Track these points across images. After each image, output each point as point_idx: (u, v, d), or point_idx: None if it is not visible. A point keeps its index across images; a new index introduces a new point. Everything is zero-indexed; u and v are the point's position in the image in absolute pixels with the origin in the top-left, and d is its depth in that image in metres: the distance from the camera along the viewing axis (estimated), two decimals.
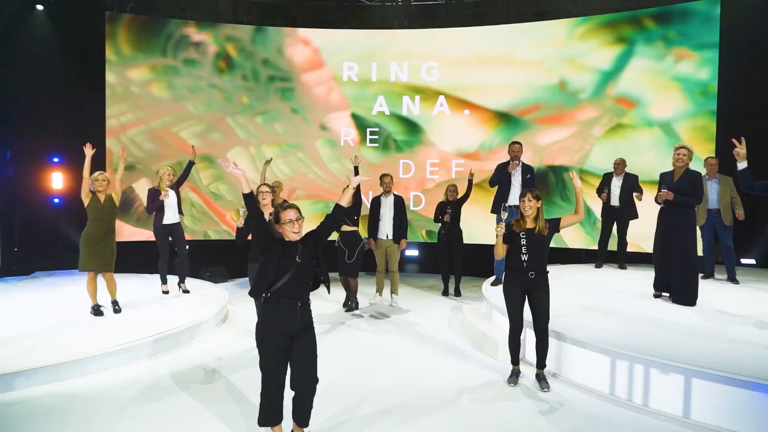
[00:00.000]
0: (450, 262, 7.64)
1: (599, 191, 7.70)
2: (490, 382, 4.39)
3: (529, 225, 4.22)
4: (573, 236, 8.75)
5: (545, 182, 8.87)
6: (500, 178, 6.30)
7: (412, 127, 9.53)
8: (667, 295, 5.66)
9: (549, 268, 4.29)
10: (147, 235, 9.00)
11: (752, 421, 3.44)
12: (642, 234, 7.97)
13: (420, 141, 9.50)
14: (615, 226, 7.64)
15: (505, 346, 4.86)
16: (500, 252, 4.28)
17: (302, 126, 9.57)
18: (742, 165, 4.64)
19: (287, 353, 3.06)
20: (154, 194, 6.47)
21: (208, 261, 8.67)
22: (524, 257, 4.19)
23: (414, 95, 9.46)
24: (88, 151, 5.48)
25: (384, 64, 9.50)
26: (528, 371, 4.53)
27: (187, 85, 9.20)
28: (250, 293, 3.15)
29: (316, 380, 3.12)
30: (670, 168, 5.69)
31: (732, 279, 6.74)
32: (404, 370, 4.66)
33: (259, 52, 9.42)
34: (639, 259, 8.07)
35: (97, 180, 5.50)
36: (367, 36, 9.53)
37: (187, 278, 6.90)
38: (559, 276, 6.81)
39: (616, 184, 7.55)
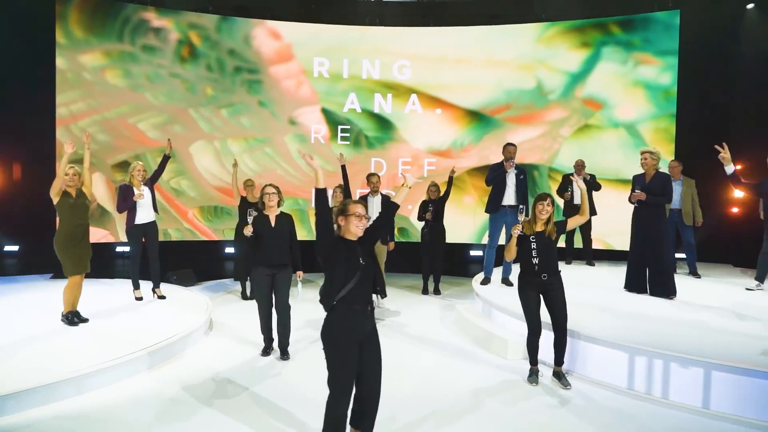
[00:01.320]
0: (431, 260, 7.63)
1: (561, 191, 7.97)
2: (512, 382, 4.40)
3: (539, 228, 4.27)
4: None
5: None
6: (496, 177, 6.35)
7: (383, 123, 9.43)
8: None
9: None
10: (101, 235, 8.36)
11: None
12: (608, 231, 8.38)
13: (392, 138, 9.42)
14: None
15: (514, 345, 4.96)
16: (512, 253, 4.30)
17: (270, 120, 9.21)
18: (729, 169, 4.92)
19: (359, 362, 2.90)
20: (126, 192, 5.98)
21: (172, 262, 8.14)
22: (535, 260, 4.24)
23: (386, 93, 9.36)
24: (68, 148, 4.96)
25: (356, 60, 9.32)
26: (542, 368, 4.58)
27: (145, 74, 8.57)
28: (323, 304, 2.93)
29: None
30: (636, 169, 6.01)
31: (694, 273, 7.21)
32: (419, 375, 4.57)
33: (224, 41, 8.95)
34: (604, 256, 8.46)
35: (66, 174, 5.00)
36: (339, 31, 9.31)
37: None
38: None
39: (575, 184, 7.83)
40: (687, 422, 3.74)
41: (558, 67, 8.94)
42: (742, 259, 7.89)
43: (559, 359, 4.35)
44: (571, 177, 7.76)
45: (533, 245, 4.22)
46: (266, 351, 4.95)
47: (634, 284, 5.97)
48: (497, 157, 9.25)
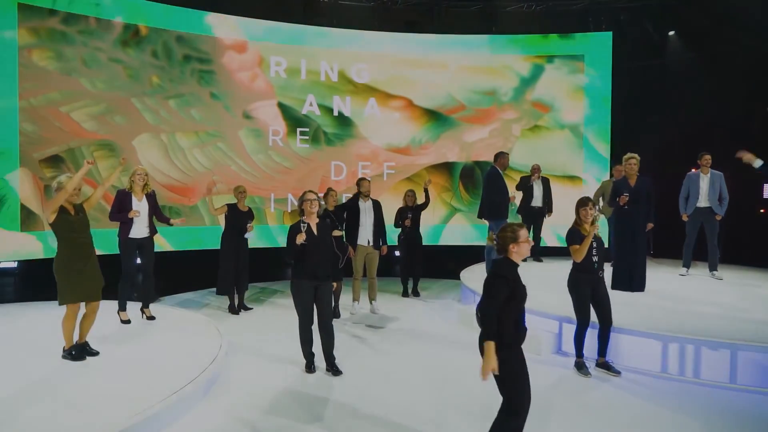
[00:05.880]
0: (409, 264, 7.70)
1: (520, 187, 8.51)
2: (566, 376, 4.66)
3: (592, 230, 4.59)
4: None
5: (472, 177, 9.46)
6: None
7: (343, 120, 9.23)
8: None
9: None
10: (28, 239, 7.14)
11: None
12: (558, 225, 9.09)
13: (351, 135, 9.26)
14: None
15: (546, 341, 5.24)
16: (584, 254, 4.55)
17: (223, 113, 8.54)
18: (758, 163, 5.49)
19: None
20: (124, 199, 5.26)
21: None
22: (594, 258, 4.56)
23: (345, 94, 9.17)
24: (87, 163, 4.21)
25: (314, 60, 9.01)
26: (570, 361, 4.88)
27: (81, 57, 7.45)
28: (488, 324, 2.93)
29: None
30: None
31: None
32: (465, 378, 4.53)
33: (173, 25, 8.07)
34: (552, 253, 9.14)
35: (74, 188, 4.24)
36: (296, 30, 8.94)
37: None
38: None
39: (538, 187, 8.35)
40: (726, 396, 4.30)
41: (509, 72, 9.46)
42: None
43: (603, 350, 4.71)
44: (531, 178, 8.34)
45: (594, 245, 4.52)
46: (311, 367, 4.67)
47: (622, 283, 6.31)
48: (454, 155, 9.64)
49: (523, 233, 2.97)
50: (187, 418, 3.70)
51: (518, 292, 2.97)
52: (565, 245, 4.71)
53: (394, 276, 8.39)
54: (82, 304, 4.31)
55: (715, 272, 7.28)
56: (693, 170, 7.29)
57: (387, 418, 3.77)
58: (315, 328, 4.63)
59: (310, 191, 4.63)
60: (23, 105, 7.08)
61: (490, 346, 2.81)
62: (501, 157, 6.49)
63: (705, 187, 7.10)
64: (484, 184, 6.68)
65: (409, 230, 7.51)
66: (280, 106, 8.87)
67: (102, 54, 7.58)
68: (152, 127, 8.04)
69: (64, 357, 4.28)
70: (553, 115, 9.46)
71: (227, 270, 6.44)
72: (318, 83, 9.05)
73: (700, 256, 7.54)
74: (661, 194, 9.40)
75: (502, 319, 2.93)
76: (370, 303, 6.81)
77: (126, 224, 5.29)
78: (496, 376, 3.00)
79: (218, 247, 6.64)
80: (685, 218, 7.32)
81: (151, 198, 5.49)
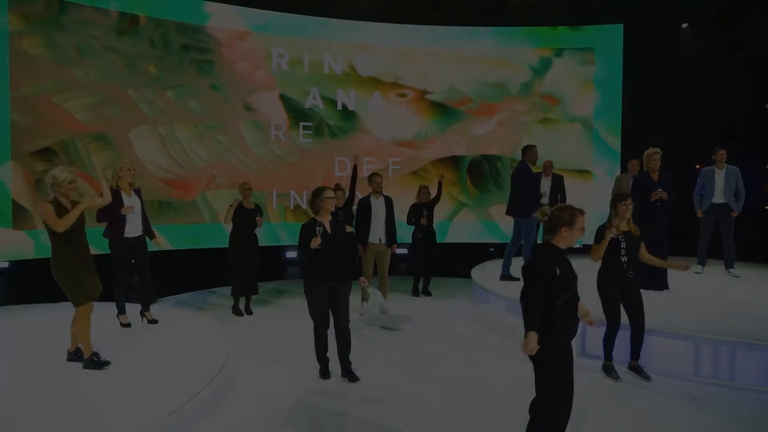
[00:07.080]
0: (423, 262, 7.42)
1: None
2: (594, 380, 4.42)
3: (624, 228, 4.35)
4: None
5: (480, 171, 9.21)
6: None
7: (347, 113, 8.94)
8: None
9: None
10: (18, 237, 6.81)
11: None
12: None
13: (355, 128, 8.97)
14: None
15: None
16: (601, 255, 4.31)
17: (223, 105, 8.22)
18: None
19: None
20: (112, 197, 4.87)
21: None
22: (624, 258, 4.32)
23: (349, 87, 8.87)
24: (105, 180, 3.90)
25: (317, 51, 8.70)
26: (596, 364, 4.66)
27: (75, 45, 7.10)
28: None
29: None
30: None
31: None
32: (495, 385, 4.36)
33: (171, 14, 7.73)
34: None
35: (70, 183, 3.92)
36: (299, 21, 8.63)
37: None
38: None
39: (547, 184, 8.06)
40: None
41: (518, 64, 9.20)
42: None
43: (636, 353, 4.47)
44: (542, 175, 8.02)
45: (623, 245, 4.28)
46: (326, 373, 4.40)
47: (648, 281, 5.94)
48: (461, 149, 9.39)
49: (581, 222, 2.77)
50: (204, 425, 3.43)
51: (555, 280, 2.71)
52: (580, 243, 4.48)
53: (398, 275, 8.11)
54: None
55: (731, 270, 7.09)
56: (698, 166, 7.07)
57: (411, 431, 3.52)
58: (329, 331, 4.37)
59: (329, 189, 4.35)
60: (14, 95, 6.73)
61: (531, 336, 2.68)
62: (529, 150, 6.22)
63: (720, 182, 6.90)
64: (513, 179, 6.40)
65: (425, 228, 7.21)
66: (282, 98, 8.56)
67: (97, 42, 7.23)
68: (149, 119, 7.71)
69: (86, 367, 3.92)
70: (562, 107, 9.22)
71: (237, 270, 6.12)
72: (321, 75, 8.74)
73: (713, 254, 7.34)
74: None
75: (546, 310, 2.73)
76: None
77: (118, 223, 4.92)
78: (535, 368, 2.81)
79: (218, 245, 6.33)
80: (699, 215, 7.12)
81: (140, 194, 5.14)
